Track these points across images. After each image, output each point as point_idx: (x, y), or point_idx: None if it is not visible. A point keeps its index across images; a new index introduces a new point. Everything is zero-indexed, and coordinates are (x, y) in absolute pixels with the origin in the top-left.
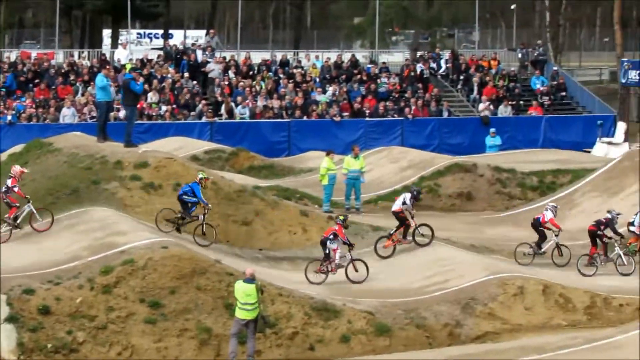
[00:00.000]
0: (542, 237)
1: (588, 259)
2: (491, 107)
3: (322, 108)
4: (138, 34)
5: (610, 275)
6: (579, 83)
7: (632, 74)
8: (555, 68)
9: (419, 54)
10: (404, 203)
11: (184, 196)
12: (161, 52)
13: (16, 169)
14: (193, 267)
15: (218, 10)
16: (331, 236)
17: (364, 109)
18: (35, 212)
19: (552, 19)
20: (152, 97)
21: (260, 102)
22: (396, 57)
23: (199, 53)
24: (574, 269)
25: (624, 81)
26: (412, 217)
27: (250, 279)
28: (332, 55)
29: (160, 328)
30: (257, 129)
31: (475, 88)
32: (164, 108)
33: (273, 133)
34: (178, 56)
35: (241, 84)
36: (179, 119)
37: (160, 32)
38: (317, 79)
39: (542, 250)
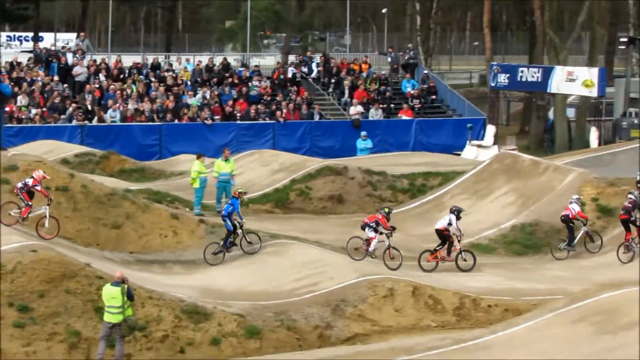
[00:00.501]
0: (571, 232)
1: (624, 246)
2: (362, 110)
3: (193, 111)
4: (8, 36)
5: (480, 275)
6: (449, 86)
7: (501, 78)
8: (425, 71)
9: (290, 57)
10: (449, 224)
11: (227, 218)
12: (31, 55)
13: (39, 173)
14: (63, 271)
15: (89, 14)
16: (373, 224)
17: (235, 112)
18: (47, 217)
19: (423, 22)
20: (21, 100)
21: (132, 106)
22: (268, 61)
23: (69, 56)
24: (444, 271)
25: (493, 84)
26: (459, 240)
27: (117, 282)
28: (203, 59)
29: (29, 332)
30: (128, 132)
31: (347, 91)
32: (33, 111)
33: (144, 136)
34: (48, 59)
35: (112, 87)
36: (49, 122)
37: (30, 34)
38: (189, 82)
39: (574, 244)
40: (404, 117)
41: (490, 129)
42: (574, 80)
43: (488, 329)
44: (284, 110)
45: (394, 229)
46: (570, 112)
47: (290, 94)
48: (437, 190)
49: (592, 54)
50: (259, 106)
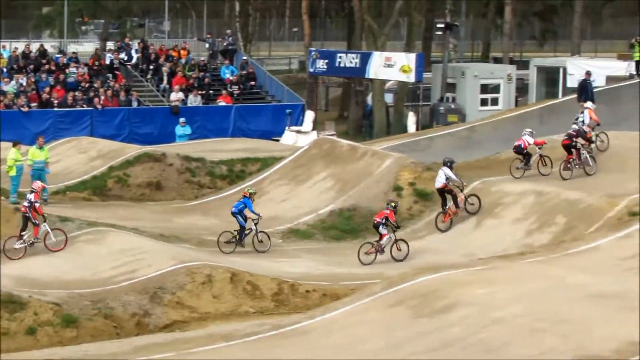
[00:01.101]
0: (527, 158)
1: (565, 164)
2: (181, 96)
3: (9, 98)
4: None
5: (299, 260)
6: (268, 72)
7: (320, 64)
8: (244, 58)
9: (109, 44)
10: (447, 178)
11: (238, 215)
12: None
13: (38, 184)
14: None
15: None
16: (383, 220)
17: (53, 99)
18: (50, 231)
19: (242, 9)
20: None
21: None
22: (86, 47)
23: None
24: (264, 257)
25: (312, 70)
26: (462, 190)
27: None
28: (20, 45)
29: None
30: None
31: (165, 78)
32: None
33: None
34: None
35: None
36: None
37: None
38: (5, 69)
39: (530, 164)
40: (223, 103)
41: (309, 115)
42: (391, 66)
43: (306, 314)
44: (102, 97)
45: (398, 226)
46: (389, 98)
47: (108, 81)
48: (256, 176)
49: (409, 40)
50: (76, 93)
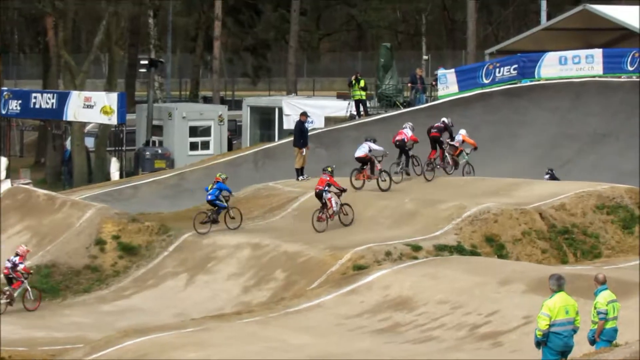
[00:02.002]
0: (407, 156)
1: (427, 164)
2: None
3: None
4: None
5: None
6: None
7: (13, 104)
8: None
9: None
10: (370, 150)
11: (217, 201)
12: None
13: (23, 248)
14: None
15: None
16: (326, 187)
17: None
18: (29, 289)
19: None
20: None
21: None
22: None
23: None
24: None
25: (4, 112)
26: (380, 161)
27: None
28: None
29: None
30: None
31: None
32: None
33: None
34: None
35: None
36: None
37: None
38: None
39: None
40: None
41: (2, 162)
42: (92, 107)
43: None
44: None
45: (344, 190)
46: (89, 142)
47: None
48: None
49: (110, 78)
50: None
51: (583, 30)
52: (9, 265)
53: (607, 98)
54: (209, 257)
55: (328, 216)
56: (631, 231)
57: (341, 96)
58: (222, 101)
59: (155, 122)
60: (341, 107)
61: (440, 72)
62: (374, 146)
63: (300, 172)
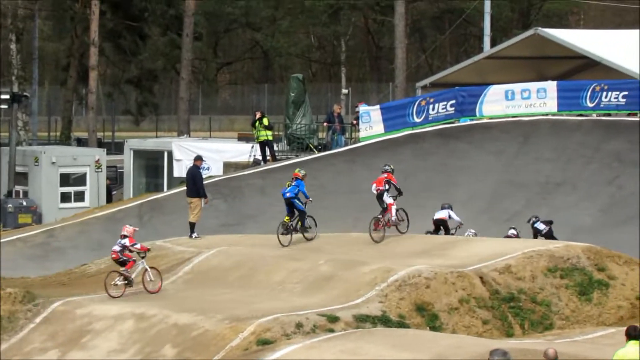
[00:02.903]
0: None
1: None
2: None
3: None
4: None
5: None
6: None
7: None
8: None
9: None
10: (450, 217)
11: (295, 199)
12: None
13: (129, 228)
14: None
15: None
16: (386, 186)
17: None
18: (148, 269)
19: None
20: None
21: None
22: None
23: None
24: None
25: None
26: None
27: None
28: None
29: None
30: None
31: None
32: None
33: None
34: None
35: None
36: None
37: None
38: None
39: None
40: None
41: None
42: None
43: None
44: None
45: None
46: None
47: None
48: None
49: None
50: None
51: (534, 59)
52: (117, 248)
53: (562, 140)
54: (84, 331)
55: (385, 224)
56: (589, 298)
57: (243, 138)
58: (100, 144)
59: (18, 169)
60: (243, 151)
61: (363, 109)
62: (454, 215)
63: (191, 228)
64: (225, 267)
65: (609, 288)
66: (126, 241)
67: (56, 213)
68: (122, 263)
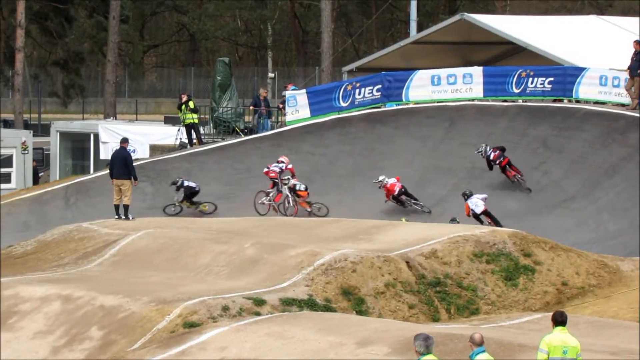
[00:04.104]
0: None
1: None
2: None
3: None
4: None
5: None
6: None
7: None
8: None
9: None
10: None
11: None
12: None
13: (286, 158)
14: None
15: None
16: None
17: None
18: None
19: None
20: None
21: None
22: None
23: None
24: None
25: None
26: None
27: None
28: None
29: None
30: None
31: None
32: None
33: None
34: None
35: None
36: None
37: None
38: None
39: None
40: None
41: None
42: None
43: None
44: None
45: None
46: None
47: None
48: None
49: None
50: None
51: (461, 44)
52: (277, 170)
53: (489, 125)
54: (10, 312)
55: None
56: (515, 283)
57: (169, 121)
58: (26, 125)
59: None
60: (169, 134)
61: (289, 93)
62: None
63: (125, 210)
64: (152, 249)
65: (535, 273)
66: (283, 165)
67: None
68: (275, 184)
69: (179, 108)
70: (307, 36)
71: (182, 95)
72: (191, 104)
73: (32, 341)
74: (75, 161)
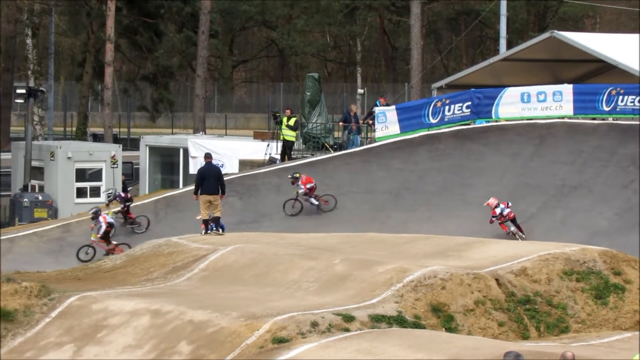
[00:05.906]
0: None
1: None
2: None
3: None
4: None
5: None
6: None
7: None
8: None
9: None
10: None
11: None
12: None
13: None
14: None
15: None
16: None
17: None
18: None
19: None
20: None
21: None
22: None
23: None
24: None
25: None
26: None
27: None
28: None
29: None
30: None
31: None
32: None
33: None
34: None
35: None
36: None
37: None
38: None
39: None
40: None
41: None
42: None
43: None
44: None
45: None
46: None
47: None
48: None
49: None
50: None
51: (550, 61)
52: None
53: (578, 143)
54: (100, 326)
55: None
56: (605, 302)
57: (260, 136)
58: (116, 139)
59: (34, 164)
60: (258, 149)
61: (379, 109)
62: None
63: (217, 223)
64: (241, 264)
65: (625, 292)
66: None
67: (72, 208)
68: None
69: (279, 122)
70: (396, 52)
71: (287, 110)
72: (291, 121)
73: (121, 355)
74: (165, 175)
